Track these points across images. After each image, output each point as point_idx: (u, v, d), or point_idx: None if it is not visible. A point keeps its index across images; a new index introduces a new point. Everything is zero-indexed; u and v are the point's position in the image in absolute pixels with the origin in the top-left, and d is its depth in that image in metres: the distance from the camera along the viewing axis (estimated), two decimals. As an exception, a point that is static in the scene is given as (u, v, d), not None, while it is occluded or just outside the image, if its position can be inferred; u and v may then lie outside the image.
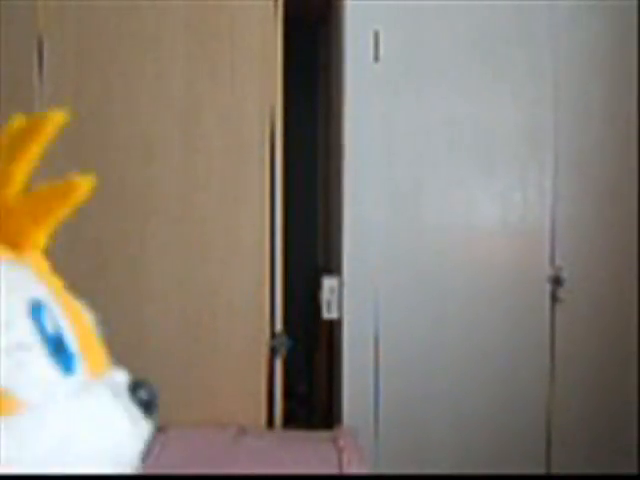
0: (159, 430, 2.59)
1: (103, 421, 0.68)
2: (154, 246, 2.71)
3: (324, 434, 2.70)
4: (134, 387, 0.75)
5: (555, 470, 2.97)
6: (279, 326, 2.78)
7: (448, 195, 2.95)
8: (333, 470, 2.29)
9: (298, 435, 2.72)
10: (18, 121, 0.68)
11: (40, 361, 0.63)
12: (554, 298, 2.97)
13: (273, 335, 2.76)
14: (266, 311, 2.74)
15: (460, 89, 2.94)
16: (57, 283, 0.71)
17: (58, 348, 0.66)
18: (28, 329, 0.63)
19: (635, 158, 2.99)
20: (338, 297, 2.92)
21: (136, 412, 0.72)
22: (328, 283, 2.93)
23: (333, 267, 3.17)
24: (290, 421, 2.87)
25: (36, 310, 0.65)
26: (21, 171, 0.67)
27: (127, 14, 2.69)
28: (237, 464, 2.32)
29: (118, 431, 0.69)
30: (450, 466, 2.92)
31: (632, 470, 2.95)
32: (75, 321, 0.70)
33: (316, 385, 3.73)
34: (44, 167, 2.55)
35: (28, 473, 0.60)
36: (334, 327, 3.13)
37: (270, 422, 2.77)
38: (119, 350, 2.92)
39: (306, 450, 2.49)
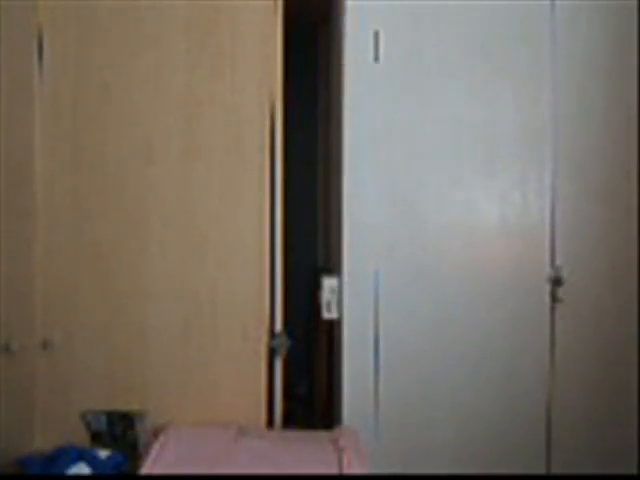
0: (159, 430, 2.60)
1: None
2: (154, 246, 2.71)
3: (324, 434, 2.70)
4: None
5: (555, 470, 2.97)
6: (279, 326, 2.78)
7: (448, 195, 2.95)
8: (333, 470, 2.29)
9: (298, 435, 2.72)
10: None
11: None
12: (554, 298, 2.97)
13: (273, 335, 2.76)
14: (266, 311, 2.74)
15: (460, 89, 2.94)
16: None
17: None
18: None
19: (635, 158, 2.99)
20: (338, 297, 2.92)
21: None
22: (328, 283, 2.93)
23: (333, 267, 3.17)
24: (290, 421, 2.87)
25: None
26: None
27: (127, 14, 2.69)
28: (237, 464, 2.32)
29: None
30: (450, 466, 2.92)
31: (632, 470, 2.95)
32: None
33: (316, 385, 3.73)
34: (45, 166, 2.54)
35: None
36: (334, 327, 3.13)
37: (270, 422, 2.77)
38: (120, 351, 2.93)
39: (306, 450, 2.49)
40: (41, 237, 2.66)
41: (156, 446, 2.45)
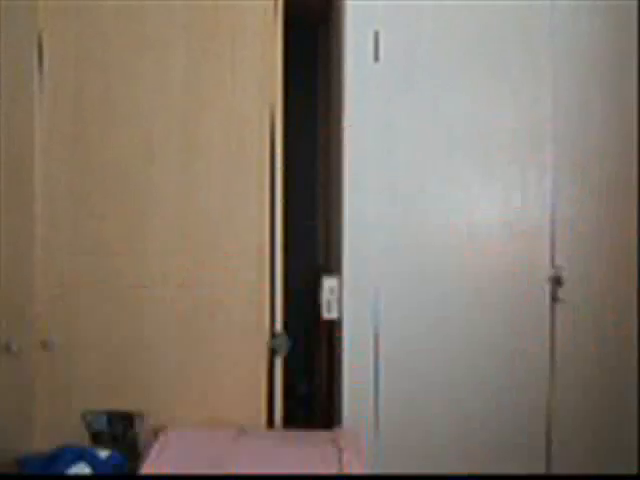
0: (159, 430, 2.60)
1: None
2: (154, 246, 2.71)
3: (324, 434, 2.70)
4: None
5: (555, 470, 2.97)
6: (279, 326, 2.78)
7: (448, 195, 2.95)
8: (333, 470, 2.29)
9: (298, 435, 2.72)
10: None
11: None
12: (554, 298, 2.97)
13: (273, 335, 2.76)
14: (266, 311, 2.74)
15: (460, 89, 2.94)
16: None
17: None
18: None
19: (635, 158, 2.99)
20: (338, 297, 2.92)
21: None
22: (328, 283, 2.93)
23: (333, 267, 3.17)
24: (290, 421, 2.87)
25: None
26: None
27: (127, 14, 2.69)
28: (237, 464, 2.32)
29: None
30: (450, 466, 2.92)
31: (632, 470, 2.95)
32: None
33: (316, 385, 3.73)
34: (45, 166, 2.55)
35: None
36: (334, 327, 3.13)
37: (270, 422, 2.77)
38: (120, 351, 2.94)
39: (306, 450, 2.49)
40: (41, 236, 2.66)
41: (156, 446, 2.45)
